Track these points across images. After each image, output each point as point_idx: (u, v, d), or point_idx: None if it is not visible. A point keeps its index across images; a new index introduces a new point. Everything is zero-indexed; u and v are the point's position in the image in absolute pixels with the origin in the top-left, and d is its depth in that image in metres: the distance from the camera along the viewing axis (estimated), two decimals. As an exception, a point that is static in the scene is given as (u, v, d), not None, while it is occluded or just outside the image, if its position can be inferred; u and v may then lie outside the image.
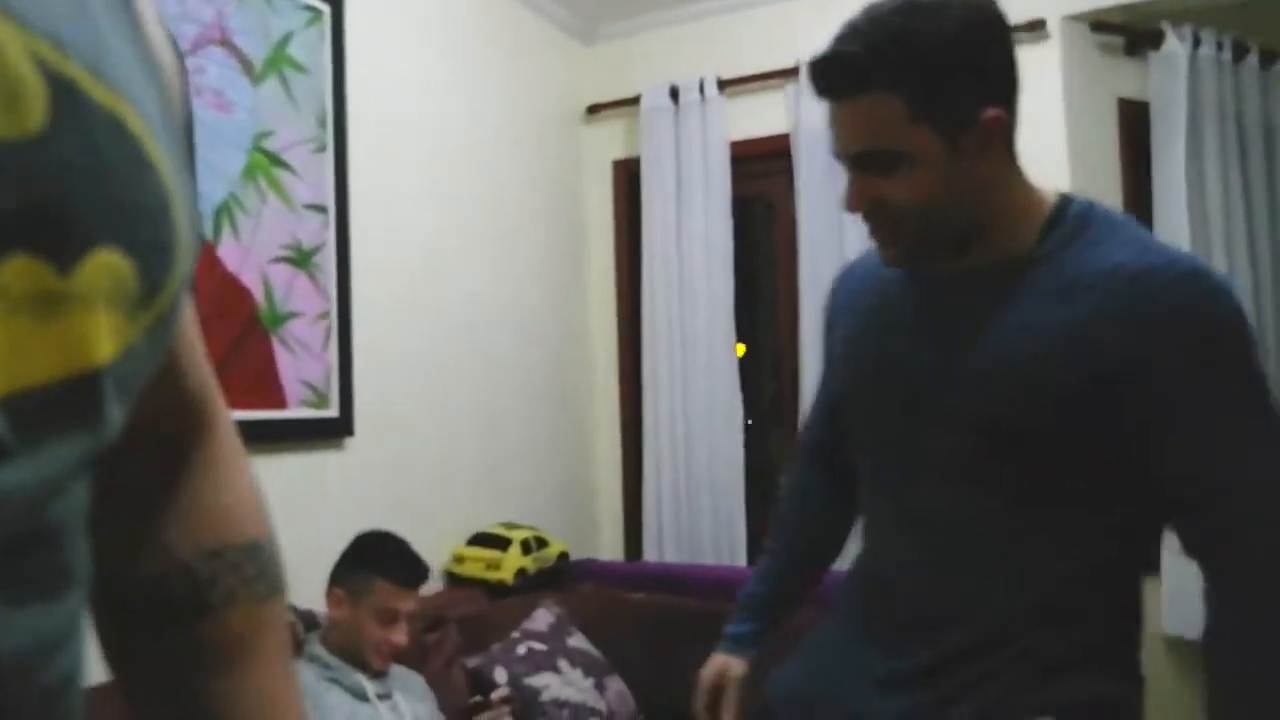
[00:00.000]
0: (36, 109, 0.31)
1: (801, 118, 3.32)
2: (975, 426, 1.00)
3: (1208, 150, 3.18)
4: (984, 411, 0.99)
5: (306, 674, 1.88)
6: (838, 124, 1.00)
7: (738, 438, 3.37)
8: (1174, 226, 3.11)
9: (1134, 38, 3.16)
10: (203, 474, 0.57)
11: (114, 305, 0.35)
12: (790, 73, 3.35)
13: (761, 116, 3.46)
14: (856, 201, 1.01)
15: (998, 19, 0.99)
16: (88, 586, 0.38)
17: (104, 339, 0.35)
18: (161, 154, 0.38)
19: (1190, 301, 0.93)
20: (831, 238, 3.27)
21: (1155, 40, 3.14)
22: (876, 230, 1.03)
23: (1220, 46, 3.22)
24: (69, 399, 0.34)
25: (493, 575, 2.78)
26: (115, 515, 0.52)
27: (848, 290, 1.23)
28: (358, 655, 1.91)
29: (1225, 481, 0.95)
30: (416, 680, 2.08)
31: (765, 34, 3.47)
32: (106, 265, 0.34)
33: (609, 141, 3.73)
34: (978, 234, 1.02)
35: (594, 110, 3.69)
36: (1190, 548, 0.99)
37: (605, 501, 3.69)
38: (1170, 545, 3.30)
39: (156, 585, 0.55)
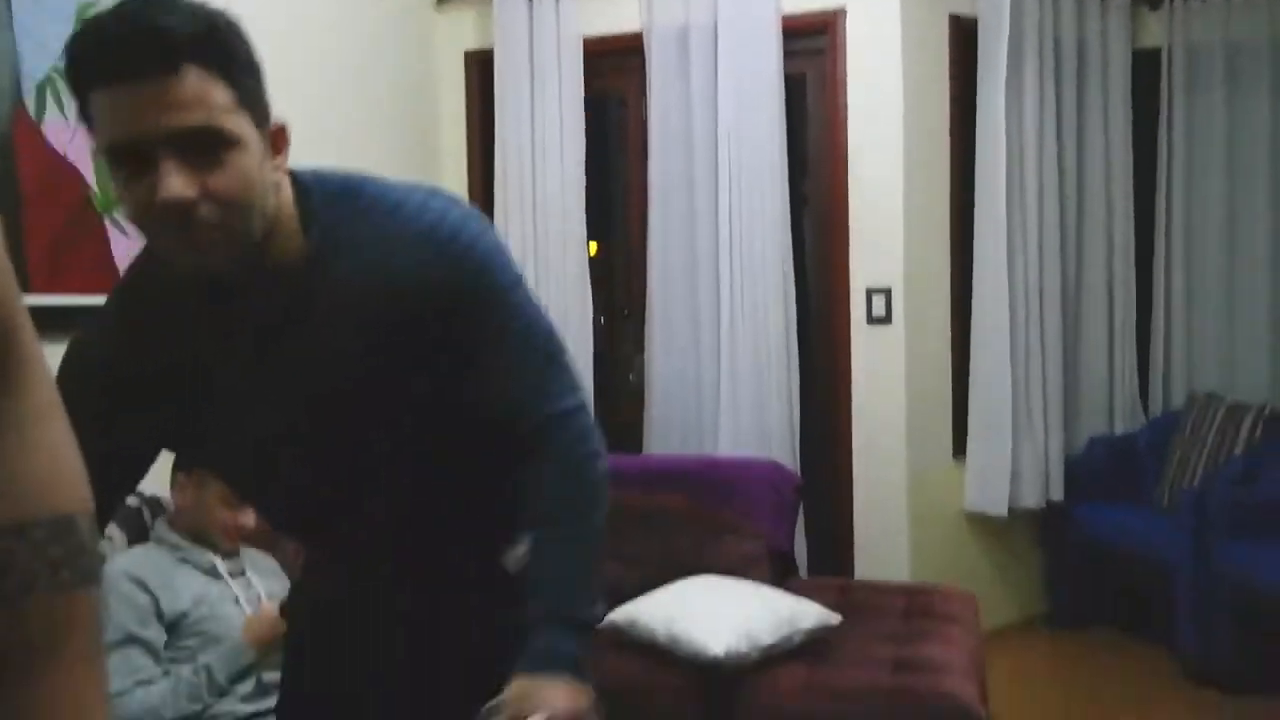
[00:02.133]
0: None
1: (654, 17, 3.36)
2: (353, 429, 1.05)
3: (1026, 66, 3.43)
4: (354, 416, 1.05)
5: (156, 554, 1.90)
6: (146, 103, 0.85)
7: (588, 333, 3.48)
8: (992, 136, 3.36)
9: (965, -45, 3.34)
10: (13, 432, 0.47)
11: None
12: (644, -30, 3.37)
13: (614, 14, 3.47)
14: (187, 188, 0.86)
15: None
16: None
17: None
18: None
19: (457, 248, 1.01)
20: (681, 135, 3.36)
21: (984, -42, 3.33)
22: (197, 231, 0.89)
23: (1042, -32, 3.44)
24: None
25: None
26: None
27: (128, 330, 1.05)
28: (206, 538, 1.94)
29: (520, 399, 1.07)
30: (269, 561, 2.12)
31: (620, -71, 3.46)
32: None
33: (461, 32, 3.66)
34: (263, 241, 0.98)
35: (445, -1, 3.62)
36: (509, 454, 1.10)
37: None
38: (975, 435, 3.64)
39: None
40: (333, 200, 1.02)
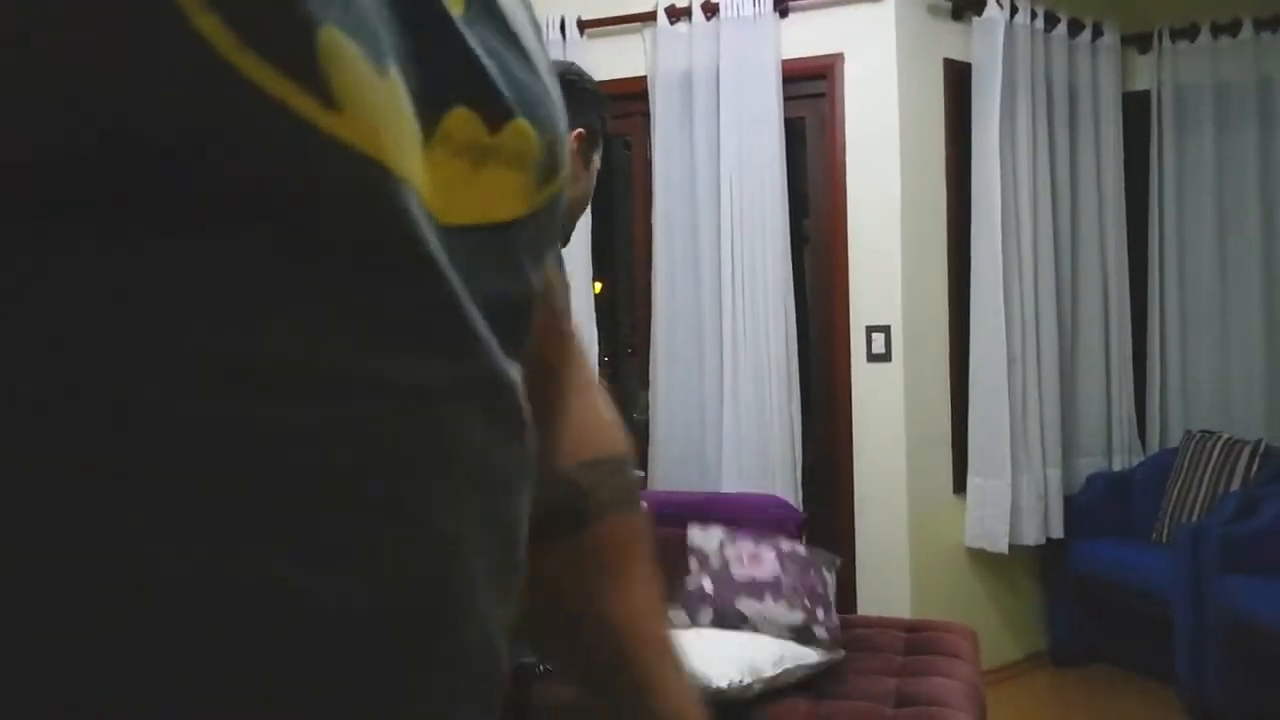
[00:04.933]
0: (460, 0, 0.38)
1: (658, 61, 3.45)
2: None
3: (1020, 109, 3.51)
4: None
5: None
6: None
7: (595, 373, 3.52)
8: (987, 177, 3.44)
9: (959, 3, 3.44)
10: (576, 395, 0.59)
11: (525, 169, 0.41)
12: (648, 17, 3.47)
13: (620, 60, 3.56)
14: None
15: None
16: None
17: (514, 199, 0.41)
18: (539, 51, 0.44)
19: None
20: (685, 176, 3.44)
21: (978, 6, 3.43)
22: None
23: (1034, 15, 3.54)
24: (486, 245, 0.39)
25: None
26: None
27: None
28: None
29: None
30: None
31: (624, -22, 3.56)
32: (522, 132, 0.40)
33: (469, 76, 3.75)
34: None
35: (454, 44, 3.70)
36: None
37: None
38: (975, 471, 3.67)
39: (546, 498, 0.54)
40: None
